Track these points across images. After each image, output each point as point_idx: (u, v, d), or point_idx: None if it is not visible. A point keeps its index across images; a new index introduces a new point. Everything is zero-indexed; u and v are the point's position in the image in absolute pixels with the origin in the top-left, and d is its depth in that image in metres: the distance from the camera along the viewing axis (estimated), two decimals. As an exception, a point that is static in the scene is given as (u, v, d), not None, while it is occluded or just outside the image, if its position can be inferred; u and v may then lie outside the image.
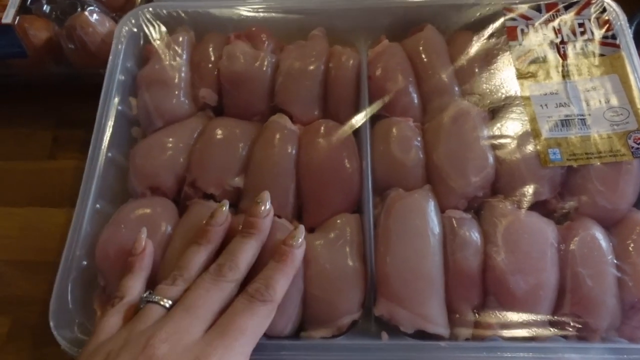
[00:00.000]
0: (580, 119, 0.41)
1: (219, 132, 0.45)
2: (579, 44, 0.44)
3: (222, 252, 0.36)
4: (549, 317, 0.36)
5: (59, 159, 0.54)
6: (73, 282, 0.39)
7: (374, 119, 0.45)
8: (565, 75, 0.43)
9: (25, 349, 0.45)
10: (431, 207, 0.40)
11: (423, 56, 0.47)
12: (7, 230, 0.50)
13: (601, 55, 0.44)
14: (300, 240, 0.36)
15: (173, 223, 0.42)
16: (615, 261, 0.36)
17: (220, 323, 0.31)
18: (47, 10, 0.47)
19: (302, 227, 0.37)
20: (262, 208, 0.37)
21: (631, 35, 0.44)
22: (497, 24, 0.47)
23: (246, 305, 0.32)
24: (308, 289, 0.38)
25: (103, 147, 0.44)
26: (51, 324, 0.37)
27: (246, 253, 0.35)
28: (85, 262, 0.40)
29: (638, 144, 0.40)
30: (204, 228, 0.37)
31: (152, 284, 0.37)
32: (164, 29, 0.49)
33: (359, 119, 0.45)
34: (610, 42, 0.44)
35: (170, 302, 0.33)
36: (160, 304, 0.33)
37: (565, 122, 0.41)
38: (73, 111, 0.54)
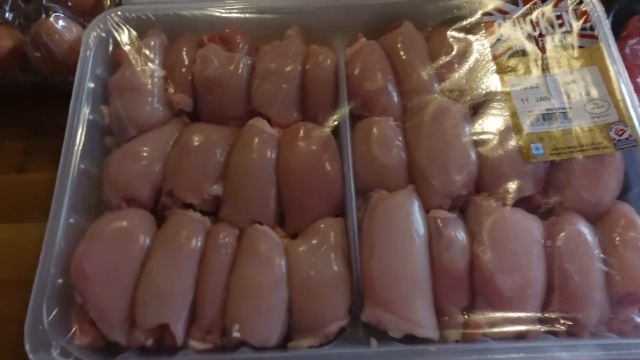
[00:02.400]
0: (562, 113, 0.41)
1: (195, 138, 0.44)
2: (557, 37, 0.44)
3: None
4: (538, 314, 0.35)
5: (30, 171, 0.52)
6: (48, 301, 0.37)
7: (354, 119, 0.44)
8: (545, 68, 0.43)
9: (0, 371, 0.43)
10: (415, 207, 0.39)
11: (401, 53, 0.46)
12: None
13: (580, 47, 0.43)
14: None
15: (151, 235, 0.40)
16: (602, 255, 0.36)
17: None
18: (10, 18, 0.45)
19: None
20: None
21: (609, 26, 0.44)
22: (474, 18, 0.46)
23: None
24: (293, 297, 0.37)
25: (74, 158, 0.42)
26: (27, 346, 0.35)
27: None
28: (60, 280, 0.38)
29: (620, 136, 0.39)
30: None
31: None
32: (134, 33, 0.47)
33: (338, 120, 0.44)
34: (588, 33, 0.44)
35: None
36: None
37: (547, 116, 0.41)
38: (43, 121, 0.52)
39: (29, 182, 0.51)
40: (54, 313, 0.37)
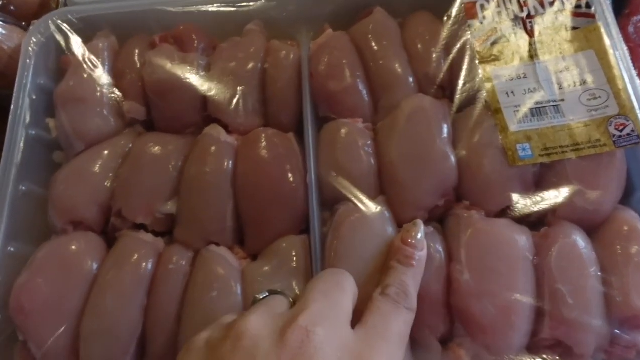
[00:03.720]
0: (553, 106, 0.36)
1: (146, 151, 0.40)
2: (548, 17, 0.38)
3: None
4: (525, 343, 0.31)
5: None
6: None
7: (320, 122, 0.40)
8: (534, 55, 0.38)
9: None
10: (385, 223, 0.34)
11: (372, 44, 0.41)
12: None
13: (574, 28, 0.38)
14: (420, 236, 0.31)
15: (99, 260, 0.37)
16: (600, 273, 0.31)
17: (374, 324, 0.27)
18: (-58, 28, 0.42)
19: (419, 222, 0.32)
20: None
21: (609, 2, 0.38)
22: (454, 1, 0.40)
23: (395, 310, 0.28)
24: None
25: (12, 179, 0.38)
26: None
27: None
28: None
29: (620, 131, 0.34)
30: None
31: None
32: (78, 38, 0.43)
33: (303, 124, 0.39)
34: (584, 12, 0.38)
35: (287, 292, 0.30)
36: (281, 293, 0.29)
37: (536, 111, 0.36)
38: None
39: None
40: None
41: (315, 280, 0.29)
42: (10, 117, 0.40)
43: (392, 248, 0.31)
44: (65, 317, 0.35)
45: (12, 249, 0.37)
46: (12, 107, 0.40)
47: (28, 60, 0.42)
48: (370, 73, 0.40)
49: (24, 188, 0.39)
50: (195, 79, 0.41)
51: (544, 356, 0.30)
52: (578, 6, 0.38)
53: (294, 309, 0.26)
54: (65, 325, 0.34)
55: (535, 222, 0.35)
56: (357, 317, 0.28)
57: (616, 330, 0.30)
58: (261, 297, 0.29)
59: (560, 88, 0.36)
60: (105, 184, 0.39)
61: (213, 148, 0.39)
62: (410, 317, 0.28)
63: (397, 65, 0.40)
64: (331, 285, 0.28)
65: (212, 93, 0.41)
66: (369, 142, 0.38)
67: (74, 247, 0.37)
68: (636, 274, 0.31)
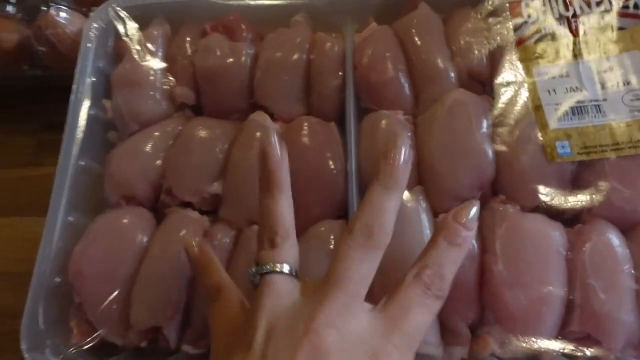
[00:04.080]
0: (595, 105, 0.36)
1: (195, 134, 0.42)
2: (593, 17, 0.39)
3: (357, 210, 0.29)
4: (554, 335, 0.32)
5: (44, 164, 0.52)
6: (45, 301, 0.37)
7: (361, 113, 0.41)
8: (577, 54, 0.38)
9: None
10: (422, 211, 0.36)
11: (416, 39, 0.42)
12: (-6, 240, 0.49)
13: (620, 28, 0.38)
14: (473, 217, 0.29)
15: (149, 234, 0.40)
16: (633, 271, 0.32)
17: (394, 315, 0.26)
18: (14, 11, 0.45)
19: (475, 202, 0.29)
20: (399, 154, 0.29)
21: (657, 3, 0.38)
22: (499, -2, 0.41)
23: (422, 298, 0.27)
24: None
25: (73, 154, 0.41)
26: (22, 346, 0.35)
27: (390, 212, 0.28)
28: (58, 279, 0.38)
29: (662, 133, 0.34)
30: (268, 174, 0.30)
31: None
32: (135, 24, 0.45)
33: (345, 114, 0.41)
34: (631, 12, 0.38)
35: (288, 267, 0.28)
36: (279, 272, 0.28)
37: (577, 110, 0.36)
38: (56, 114, 0.52)
39: (43, 175, 0.51)
40: (50, 312, 0.37)
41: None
42: (72, 96, 0.43)
43: (441, 224, 0.29)
44: (118, 283, 0.37)
45: (71, 219, 0.40)
46: (73, 87, 0.43)
47: (89, 44, 0.45)
48: (412, 67, 0.41)
49: (82, 163, 0.42)
50: (243, 67, 0.43)
51: (572, 347, 0.31)
52: (625, 7, 0.38)
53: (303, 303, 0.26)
54: (117, 290, 0.37)
55: (570, 220, 0.35)
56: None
57: (647, 328, 0.31)
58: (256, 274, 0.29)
59: (603, 88, 0.37)
60: (156, 162, 0.42)
61: (258, 133, 0.41)
62: (437, 305, 0.27)
63: (439, 60, 0.41)
64: (342, 272, 0.27)
65: (259, 81, 0.43)
66: (409, 134, 0.39)
67: (126, 220, 0.40)
68: (670, 274, 0.31)
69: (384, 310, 0.27)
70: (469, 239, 0.29)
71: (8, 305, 0.46)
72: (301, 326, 0.24)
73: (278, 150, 0.30)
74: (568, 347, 0.31)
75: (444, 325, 0.34)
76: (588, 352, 0.31)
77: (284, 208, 0.30)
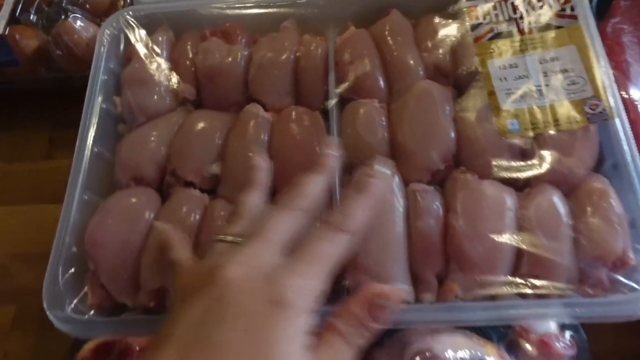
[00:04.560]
0: (538, 90, 0.43)
1: (197, 123, 0.48)
2: (536, 18, 0.45)
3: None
4: (507, 278, 0.37)
5: (56, 158, 0.57)
6: (64, 266, 0.42)
7: (342, 103, 0.47)
8: (524, 49, 0.45)
9: (29, 335, 0.48)
10: (395, 181, 0.42)
11: (389, 39, 0.48)
12: (11, 227, 0.54)
13: (558, 27, 0.45)
14: (378, 169, 0.35)
15: (156, 210, 0.45)
16: (571, 222, 0.38)
17: (300, 249, 0.29)
18: (35, 20, 0.51)
19: (381, 158, 0.35)
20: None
21: (589, 6, 0.45)
22: (458, 5, 0.48)
23: (325, 232, 0.30)
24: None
25: (88, 142, 0.47)
26: (44, 304, 0.39)
27: (310, 186, 0.33)
28: (75, 249, 0.43)
29: (593, 110, 0.41)
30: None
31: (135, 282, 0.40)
32: (143, 31, 0.52)
33: (328, 104, 0.47)
34: (568, 14, 0.45)
35: (239, 238, 0.32)
36: (228, 241, 0.32)
37: (524, 94, 0.43)
38: (67, 113, 0.57)
39: (55, 168, 0.56)
40: (68, 276, 0.41)
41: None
42: (87, 93, 0.49)
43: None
44: (129, 252, 0.42)
45: (86, 197, 0.45)
46: (88, 85, 0.49)
47: (102, 48, 0.51)
48: (386, 63, 0.48)
49: (96, 150, 0.47)
50: (239, 65, 0.49)
51: (523, 287, 0.37)
52: (563, 9, 0.45)
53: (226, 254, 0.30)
54: (128, 257, 0.42)
55: (521, 187, 0.41)
56: None
57: (586, 268, 0.37)
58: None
59: (546, 75, 0.43)
60: (162, 149, 0.47)
61: (253, 122, 0.47)
62: (342, 237, 0.30)
63: (409, 57, 0.47)
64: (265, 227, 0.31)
65: (253, 77, 0.49)
66: (384, 118, 0.45)
67: (135, 198, 0.45)
68: (601, 224, 0.37)
69: (293, 251, 0.30)
70: (378, 185, 0.34)
71: (27, 283, 0.50)
72: (219, 264, 0.28)
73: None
74: (520, 288, 0.37)
75: (415, 276, 0.39)
76: (536, 291, 0.36)
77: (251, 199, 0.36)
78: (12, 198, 0.55)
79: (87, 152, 0.46)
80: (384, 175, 0.35)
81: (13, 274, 0.51)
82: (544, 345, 0.32)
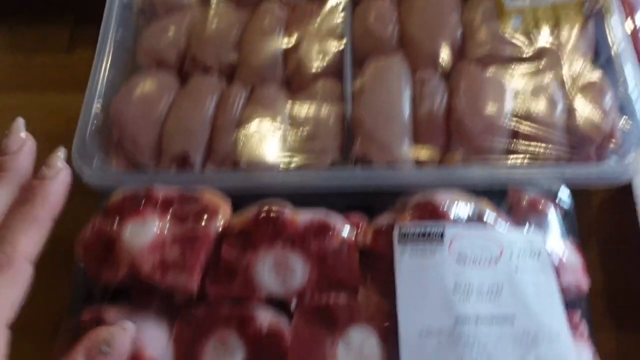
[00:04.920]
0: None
1: (217, 17, 0.50)
2: None
3: None
4: (504, 147, 0.41)
5: (77, 52, 0.59)
6: (91, 127, 0.44)
7: (355, 2, 0.50)
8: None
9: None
10: (403, 68, 0.45)
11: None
12: (33, 114, 0.56)
13: None
14: (58, 165, 0.28)
15: (175, 92, 0.47)
16: (566, 101, 0.41)
17: None
18: None
19: (60, 150, 0.29)
20: (12, 139, 0.28)
21: None
22: None
23: None
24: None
25: (111, 28, 0.49)
26: (73, 157, 0.42)
27: None
28: (101, 118, 0.46)
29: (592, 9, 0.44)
30: None
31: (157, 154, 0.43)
32: None
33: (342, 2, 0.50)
34: None
35: None
36: None
37: (527, -5, 0.46)
38: (89, 8, 0.59)
39: (76, 61, 0.58)
40: (95, 137, 0.44)
41: None
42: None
43: None
44: (152, 121, 0.45)
45: (110, 76, 0.48)
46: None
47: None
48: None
49: (119, 37, 0.49)
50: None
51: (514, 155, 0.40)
52: None
53: None
54: (152, 126, 0.45)
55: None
56: None
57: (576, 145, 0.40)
58: None
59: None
60: (183, 37, 0.50)
61: (269, 16, 0.49)
62: (2, 275, 0.24)
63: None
64: None
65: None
66: (395, 15, 0.48)
67: (156, 79, 0.48)
68: (592, 106, 0.40)
69: None
70: (53, 188, 0.27)
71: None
72: None
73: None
74: (514, 157, 0.40)
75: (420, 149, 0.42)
76: (530, 157, 0.40)
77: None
78: (33, 87, 0.57)
79: (111, 38, 0.49)
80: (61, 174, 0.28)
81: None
82: (534, 202, 0.36)
